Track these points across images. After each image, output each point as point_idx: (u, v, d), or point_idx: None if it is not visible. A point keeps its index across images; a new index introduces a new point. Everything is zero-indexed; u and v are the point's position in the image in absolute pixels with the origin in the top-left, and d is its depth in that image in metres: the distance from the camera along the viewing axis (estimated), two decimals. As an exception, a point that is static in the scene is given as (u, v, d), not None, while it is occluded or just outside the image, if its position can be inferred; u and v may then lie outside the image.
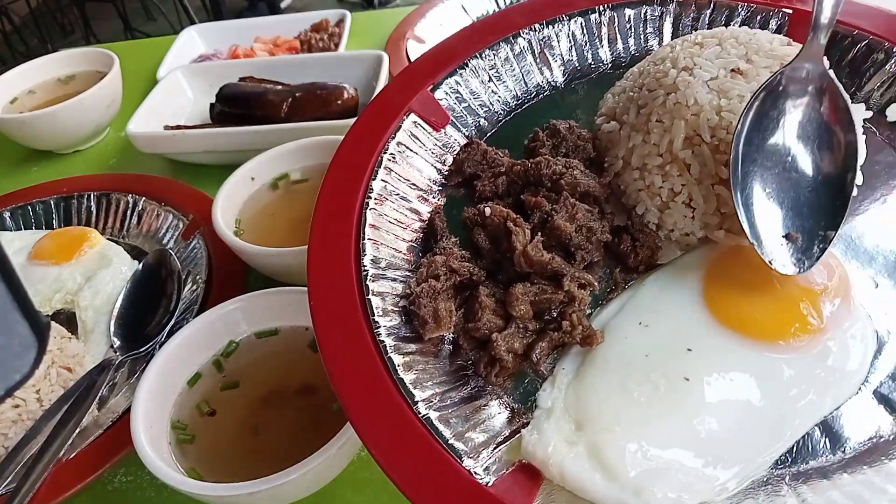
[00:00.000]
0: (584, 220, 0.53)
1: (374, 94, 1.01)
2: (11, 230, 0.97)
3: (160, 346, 0.66)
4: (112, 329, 0.78)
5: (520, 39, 0.67)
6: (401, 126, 0.60)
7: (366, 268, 0.51)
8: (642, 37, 0.69)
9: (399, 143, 0.60)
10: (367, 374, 0.46)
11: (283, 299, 0.69)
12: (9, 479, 0.63)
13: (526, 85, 0.67)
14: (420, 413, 0.45)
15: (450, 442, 0.44)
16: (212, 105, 1.09)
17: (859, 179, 0.53)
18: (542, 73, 0.68)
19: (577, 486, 0.42)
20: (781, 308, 0.48)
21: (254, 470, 0.54)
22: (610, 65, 0.69)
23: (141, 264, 0.86)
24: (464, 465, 0.43)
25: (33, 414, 0.68)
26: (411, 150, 0.60)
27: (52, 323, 0.78)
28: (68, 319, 0.82)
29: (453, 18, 1.37)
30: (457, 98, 0.64)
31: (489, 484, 0.42)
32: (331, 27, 1.34)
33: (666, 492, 0.41)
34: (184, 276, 0.83)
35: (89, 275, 0.85)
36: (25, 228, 0.97)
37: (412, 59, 1.21)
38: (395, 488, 0.59)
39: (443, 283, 0.51)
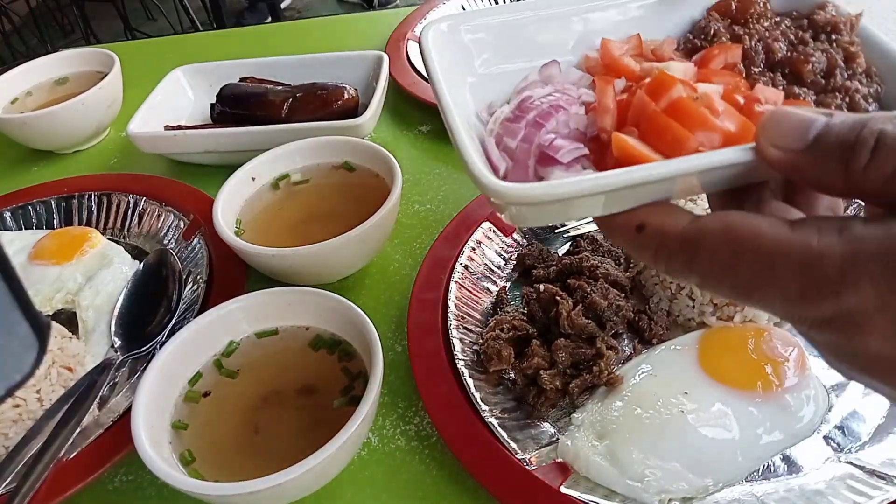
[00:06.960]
0: (613, 299, 0.70)
1: (375, 96, 1.01)
2: (12, 230, 0.97)
3: (161, 346, 0.66)
4: (113, 329, 0.78)
5: None
6: (478, 229, 0.82)
7: (450, 321, 0.72)
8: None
9: (477, 241, 0.82)
10: (450, 391, 0.66)
11: (283, 299, 0.69)
12: (9, 478, 0.63)
13: None
14: (486, 419, 0.63)
15: (505, 439, 0.62)
16: (212, 105, 1.09)
17: None
18: None
19: (596, 475, 0.59)
20: (753, 368, 0.64)
21: (254, 469, 0.54)
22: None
23: (142, 264, 0.86)
24: (516, 456, 0.60)
25: (34, 414, 0.68)
26: (486, 247, 0.82)
27: (53, 323, 0.78)
28: (69, 319, 0.82)
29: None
30: None
31: (533, 468, 0.60)
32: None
33: (660, 482, 0.58)
34: (185, 276, 0.83)
35: (90, 274, 0.85)
36: (26, 228, 0.97)
37: (412, 61, 1.21)
38: (396, 487, 0.64)
39: (506, 334, 0.70)
